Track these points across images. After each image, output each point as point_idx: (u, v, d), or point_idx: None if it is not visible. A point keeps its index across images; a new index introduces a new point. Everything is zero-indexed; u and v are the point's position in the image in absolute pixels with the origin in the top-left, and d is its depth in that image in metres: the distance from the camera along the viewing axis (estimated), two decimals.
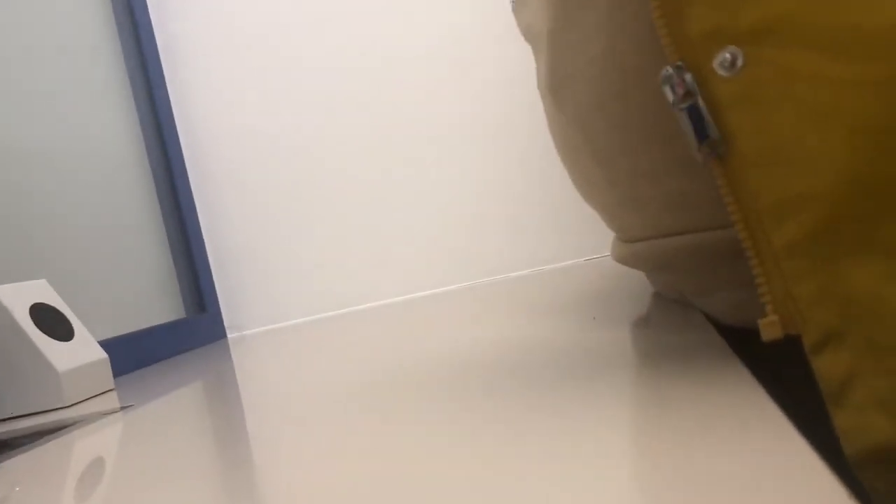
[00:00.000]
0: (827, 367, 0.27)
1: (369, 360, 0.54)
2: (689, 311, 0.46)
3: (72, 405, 0.62)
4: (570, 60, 0.40)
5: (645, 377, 0.33)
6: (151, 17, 1.11)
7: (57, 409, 0.61)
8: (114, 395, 0.65)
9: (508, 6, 0.53)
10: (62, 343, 0.64)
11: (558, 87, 0.42)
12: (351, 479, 0.26)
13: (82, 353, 0.66)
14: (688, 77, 0.28)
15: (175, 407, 0.53)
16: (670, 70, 0.29)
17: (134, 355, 0.84)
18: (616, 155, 0.40)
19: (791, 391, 0.29)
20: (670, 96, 0.29)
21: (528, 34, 0.48)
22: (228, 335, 1.12)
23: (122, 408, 0.56)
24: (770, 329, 0.28)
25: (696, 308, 0.46)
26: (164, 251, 1.05)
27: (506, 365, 0.41)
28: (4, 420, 0.62)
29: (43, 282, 0.68)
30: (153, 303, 1.00)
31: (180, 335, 0.97)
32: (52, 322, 0.64)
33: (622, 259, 0.48)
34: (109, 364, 0.69)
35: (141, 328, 0.90)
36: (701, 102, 0.28)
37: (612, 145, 0.40)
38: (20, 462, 0.43)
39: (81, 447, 0.45)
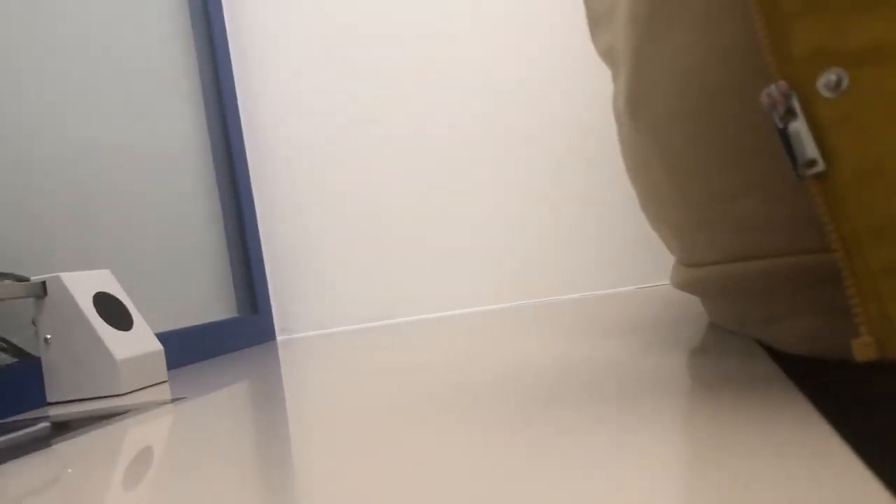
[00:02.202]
0: None
1: (416, 371, 0.55)
2: (747, 341, 0.45)
3: (127, 393, 0.63)
4: (653, 75, 0.40)
5: (702, 404, 0.32)
6: (227, 25, 1.14)
7: (113, 395, 0.63)
8: (166, 386, 0.66)
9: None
10: (121, 332, 0.65)
11: (638, 102, 0.42)
12: (385, 483, 0.27)
13: (140, 343, 0.67)
14: (791, 96, 0.28)
15: (225, 402, 0.53)
16: (773, 88, 0.29)
17: (185, 350, 0.85)
18: (691, 173, 0.39)
19: (852, 425, 0.29)
20: (773, 114, 0.29)
21: (608, 55, 0.48)
22: (278, 337, 1.13)
23: (174, 399, 0.57)
24: (864, 350, 0.28)
25: (753, 339, 0.45)
26: (221, 251, 1.07)
27: (555, 384, 0.41)
28: (62, 403, 0.64)
29: (107, 272, 0.70)
30: (207, 300, 1.02)
31: (232, 334, 0.99)
32: (113, 311, 0.66)
33: (684, 284, 0.47)
34: (164, 356, 0.70)
35: (194, 324, 0.92)
36: (803, 122, 0.28)
37: (688, 162, 0.39)
38: (75, 444, 0.44)
39: (134, 434, 0.46)
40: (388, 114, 1.13)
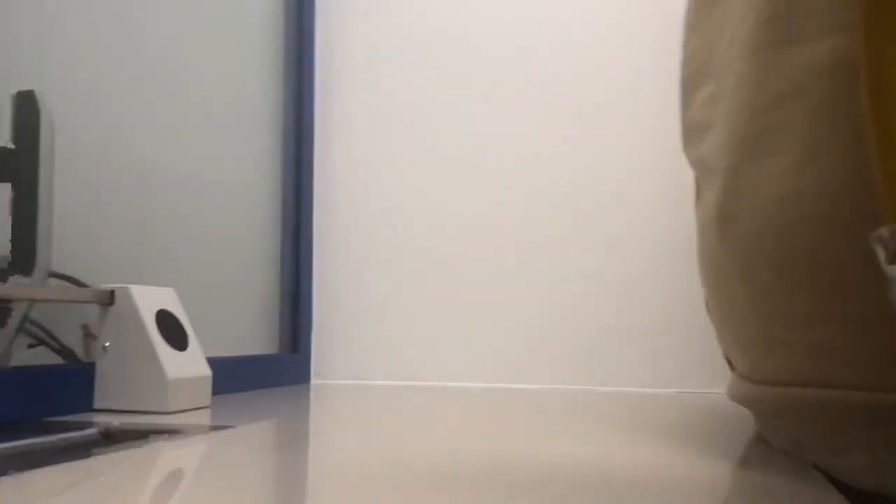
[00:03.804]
0: None
1: (433, 442, 0.54)
2: (799, 462, 0.45)
3: (172, 412, 0.64)
4: (745, 196, 0.41)
5: None
6: (316, 77, 1.18)
7: (158, 412, 0.63)
8: (209, 412, 0.67)
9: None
10: (177, 352, 0.67)
11: (727, 217, 0.43)
12: None
13: (192, 365, 0.68)
14: None
15: (270, 436, 0.54)
16: (884, 230, 0.29)
17: (222, 379, 0.86)
18: (771, 292, 0.40)
19: None
20: (881, 255, 0.29)
21: (700, 165, 0.49)
22: (312, 380, 1.14)
23: (217, 427, 0.58)
24: None
25: (807, 461, 0.45)
26: (275, 288, 1.09)
27: (583, 481, 0.40)
28: (108, 411, 0.65)
29: (171, 290, 0.72)
30: (252, 334, 1.03)
31: (269, 370, 1.00)
32: (172, 330, 0.68)
33: (743, 398, 0.47)
34: (211, 381, 0.71)
35: (234, 355, 0.93)
36: None
37: (769, 282, 0.40)
38: (117, 458, 0.45)
39: (173, 455, 0.47)
40: (461, 187, 1.15)
